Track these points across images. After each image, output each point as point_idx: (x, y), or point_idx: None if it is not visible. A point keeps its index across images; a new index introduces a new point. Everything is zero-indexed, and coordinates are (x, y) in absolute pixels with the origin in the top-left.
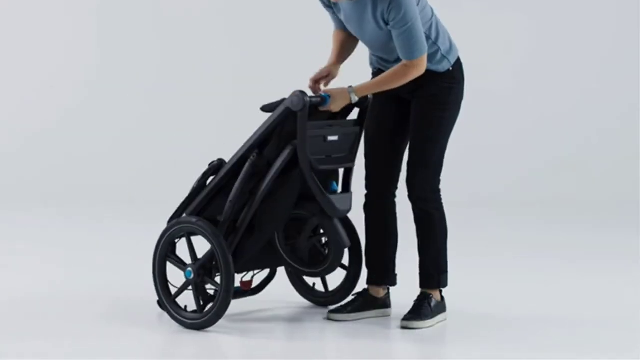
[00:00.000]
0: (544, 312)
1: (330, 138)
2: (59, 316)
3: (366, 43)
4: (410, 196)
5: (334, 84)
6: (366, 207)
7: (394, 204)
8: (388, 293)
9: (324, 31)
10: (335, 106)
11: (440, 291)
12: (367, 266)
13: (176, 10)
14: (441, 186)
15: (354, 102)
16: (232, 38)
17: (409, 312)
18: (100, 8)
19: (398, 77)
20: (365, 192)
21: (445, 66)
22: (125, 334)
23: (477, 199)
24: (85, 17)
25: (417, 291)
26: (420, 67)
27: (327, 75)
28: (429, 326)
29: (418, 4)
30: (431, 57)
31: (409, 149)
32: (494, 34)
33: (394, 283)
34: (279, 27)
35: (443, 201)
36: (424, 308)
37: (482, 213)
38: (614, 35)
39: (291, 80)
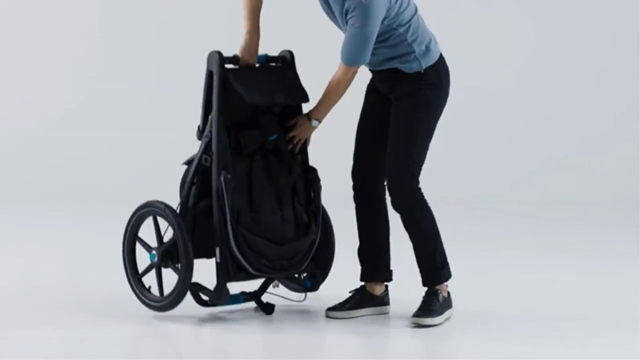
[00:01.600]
0: (542, 311)
1: None
2: (57, 313)
3: (331, 17)
4: (392, 202)
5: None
6: (355, 200)
7: (383, 197)
8: (386, 290)
9: (323, 31)
10: (304, 138)
11: (446, 286)
12: (360, 262)
13: (176, 10)
14: (439, 185)
15: (317, 127)
16: (232, 38)
17: (419, 309)
18: (100, 8)
19: (334, 84)
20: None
21: (414, 68)
22: (126, 333)
23: (475, 198)
24: (85, 17)
25: (415, 287)
26: (348, 75)
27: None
28: (439, 323)
29: (399, 4)
30: (404, 57)
31: (387, 151)
32: (494, 34)
33: (388, 279)
34: (279, 27)
35: (435, 199)
36: (433, 304)
37: (481, 212)
38: (613, 35)
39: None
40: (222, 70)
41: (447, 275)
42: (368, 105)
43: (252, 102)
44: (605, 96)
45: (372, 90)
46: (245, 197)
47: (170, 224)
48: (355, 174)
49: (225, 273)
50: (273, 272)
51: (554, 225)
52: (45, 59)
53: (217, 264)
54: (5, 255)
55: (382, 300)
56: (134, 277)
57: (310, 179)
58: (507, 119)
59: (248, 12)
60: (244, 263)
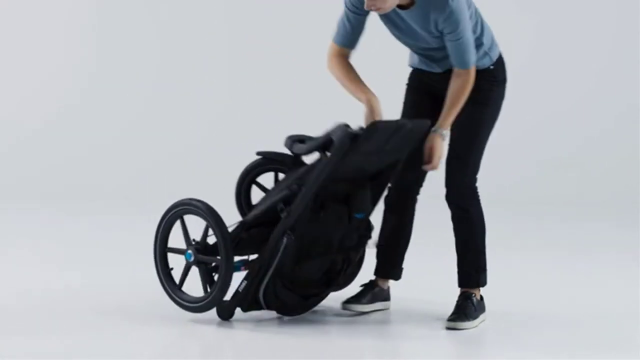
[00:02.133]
0: (545, 308)
1: None
2: (57, 313)
3: (411, 47)
4: (447, 195)
5: None
6: (388, 200)
7: (415, 202)
8: (389, 286)
9: (322, 31)
10: (442, 154)
11: (479, 290)
12: (378, 258)
13: (176, 10)
14: (439, 185)
15: (446, 137)
16: (231, 37)
17: (454, 313)
18: (100, 5)
19: (462, 90)
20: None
21: (486, 62)
22: (126, 331)
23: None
24: (84, 15)
25: (407, 287)
26: (473, 74)
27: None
28: (474, 326)
29: (469, 6)
30: (477, 54)
31: (448, 147)
32: (494, 34)
33: (399, 277)
34: (279, 26)
35: (435, 198)
36: (469, 308)
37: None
38: (613, 34)
39: (290, 80)
40: (348, 145)
41: (484, 281)
42: (413, 103)
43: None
44: (605, 96)
45: (417, 89)
46: (295, 253)
47: (210, 223)
48: (397, 179)
49: (241, 302)
50: (287, 314)
51: (554, 223)
52: (44, 57)
53: (237, 292)
54: (2, 254)
55: (387, 296)
56: (167, 277)
57: (364, 234)
58: (507, 119)
59: (352, 84)
60: (262, 303)
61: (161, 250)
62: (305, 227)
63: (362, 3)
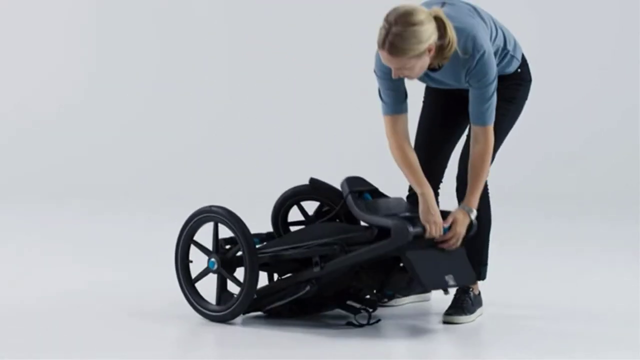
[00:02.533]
0: (545, 304)
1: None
2: (64, 314)
3: (438, 85)
4: (458, 189)
5: None
6: (409, 199)
7: (437, 194)
8: None
9: (321, 30)
10: (462, 229)
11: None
12: None
13: (176, 9)
14: (444, 182)
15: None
16: (231, 36)
17: (451, 307)
18: (100, 6)
19: (483, 158)
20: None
21: (514, 66)
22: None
23: None
24: (85, 15)
25: None
26: (491, 136)
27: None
28: (471, 320)
29: (486, 22)
30: (504, 61)
31: (465, 143)
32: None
33: None
34: (279, 26)
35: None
36: (466, 302)
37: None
38: (616, 32)
39: (289, 78)
40: (402, 244)
41: (484, 275)
42: (436, 108)
43: (429, 287)
44: (608, 93)
45: (445, 93)
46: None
47: (236, 233)
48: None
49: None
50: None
51: (557, 219)
52: (44, 56)
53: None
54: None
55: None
56: (188, 284)
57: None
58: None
59: (411, 176)
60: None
61: (184, 249)
62: (331, 278)
63: (391, 72)
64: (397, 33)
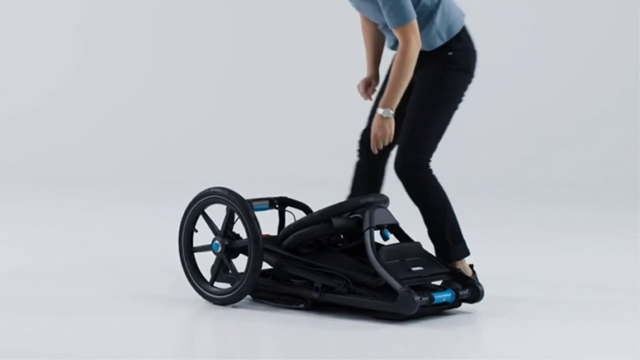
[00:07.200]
0: (542, 291)
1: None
2: (65, 291)
3: (372, 21)
4: (395, 171)
5: None
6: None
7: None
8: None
9: (319, 28)
10: (383, 134)
11: (471, 266)
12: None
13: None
14: (436, 168)
15: (391, 116)
16: (231, 33)
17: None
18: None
19: (405, 62)
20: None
21: (437, 43)
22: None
23: (473, 180)
24: (79, 1)
25: None
26: (415, 32)
27: (370, 83)
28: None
29: None
30: (423, 27)
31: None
32: (494, 18)
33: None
34: (277, 24)
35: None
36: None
37: (479, 194)
38: (612, 16)
39: (287, 76)
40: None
41: (461, 253)
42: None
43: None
44: (604, 78)
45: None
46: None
47: (240, 215)
48: (364, 142)
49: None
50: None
51: (554, 204)
52: (36, 43)
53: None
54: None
55: None
56: (192, 267)
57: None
58: (506, 102)
59: (368, 55)
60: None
61: (187, 237)
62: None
63: None
64: None
